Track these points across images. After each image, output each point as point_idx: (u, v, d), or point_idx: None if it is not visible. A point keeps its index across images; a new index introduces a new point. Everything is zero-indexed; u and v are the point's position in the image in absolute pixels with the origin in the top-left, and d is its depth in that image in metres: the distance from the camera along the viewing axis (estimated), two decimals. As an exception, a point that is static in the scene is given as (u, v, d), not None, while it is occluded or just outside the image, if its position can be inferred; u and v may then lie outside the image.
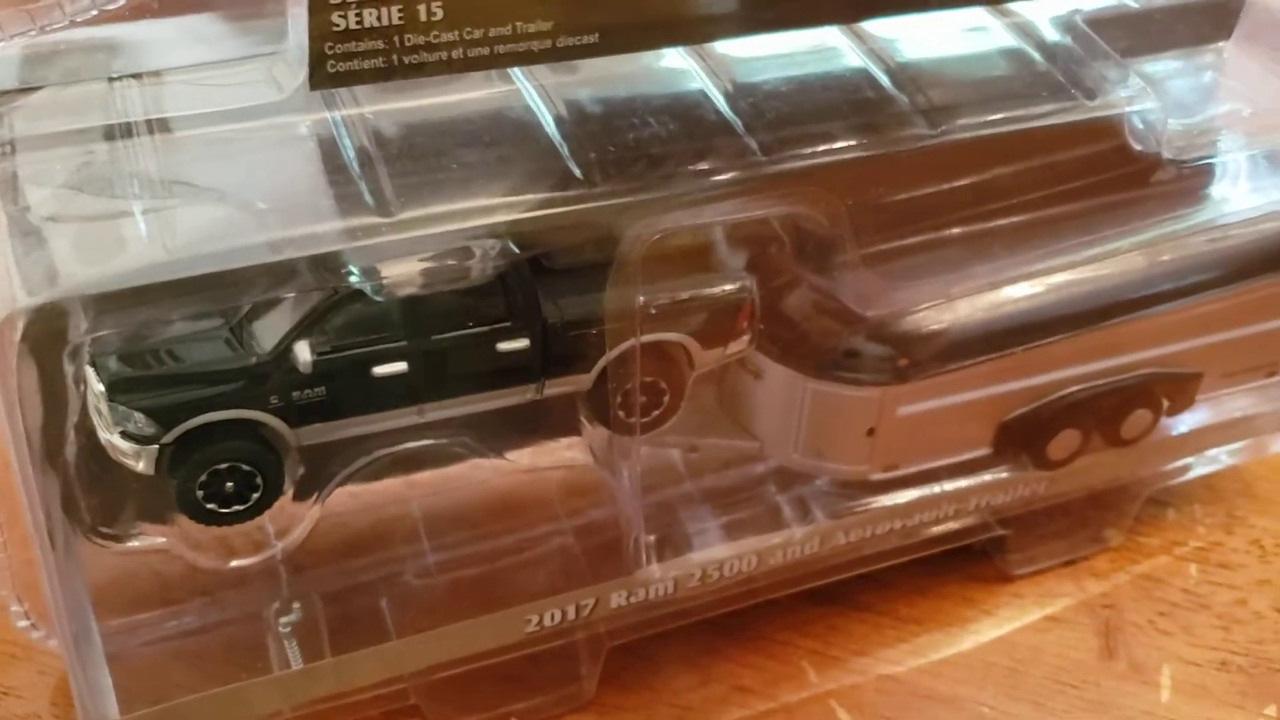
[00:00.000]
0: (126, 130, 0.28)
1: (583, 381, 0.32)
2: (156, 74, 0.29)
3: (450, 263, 0.29)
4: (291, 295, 0.29)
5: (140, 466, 0.29)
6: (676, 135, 0.30)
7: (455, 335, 0.30)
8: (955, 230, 0.35)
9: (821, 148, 0.30)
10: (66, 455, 0.29)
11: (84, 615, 0.32)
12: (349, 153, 0.28)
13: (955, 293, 0.35)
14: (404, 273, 0.28)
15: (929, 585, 0.42)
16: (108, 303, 0.26)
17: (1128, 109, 0.33)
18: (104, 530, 0.31)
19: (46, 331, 0.26)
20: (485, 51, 0.29)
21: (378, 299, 0.29)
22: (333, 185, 0.28)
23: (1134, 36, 0.36)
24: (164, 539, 0.31)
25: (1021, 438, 0.39)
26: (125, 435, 0.29)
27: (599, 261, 0.30)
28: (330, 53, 0.27)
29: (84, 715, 0.32)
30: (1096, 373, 0.39)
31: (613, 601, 0.37)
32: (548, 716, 0.37)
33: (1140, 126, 0.33)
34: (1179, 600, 0.42)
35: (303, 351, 0.29)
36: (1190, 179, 0.36)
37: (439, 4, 0.28)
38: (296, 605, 0.34)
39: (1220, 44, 0.38)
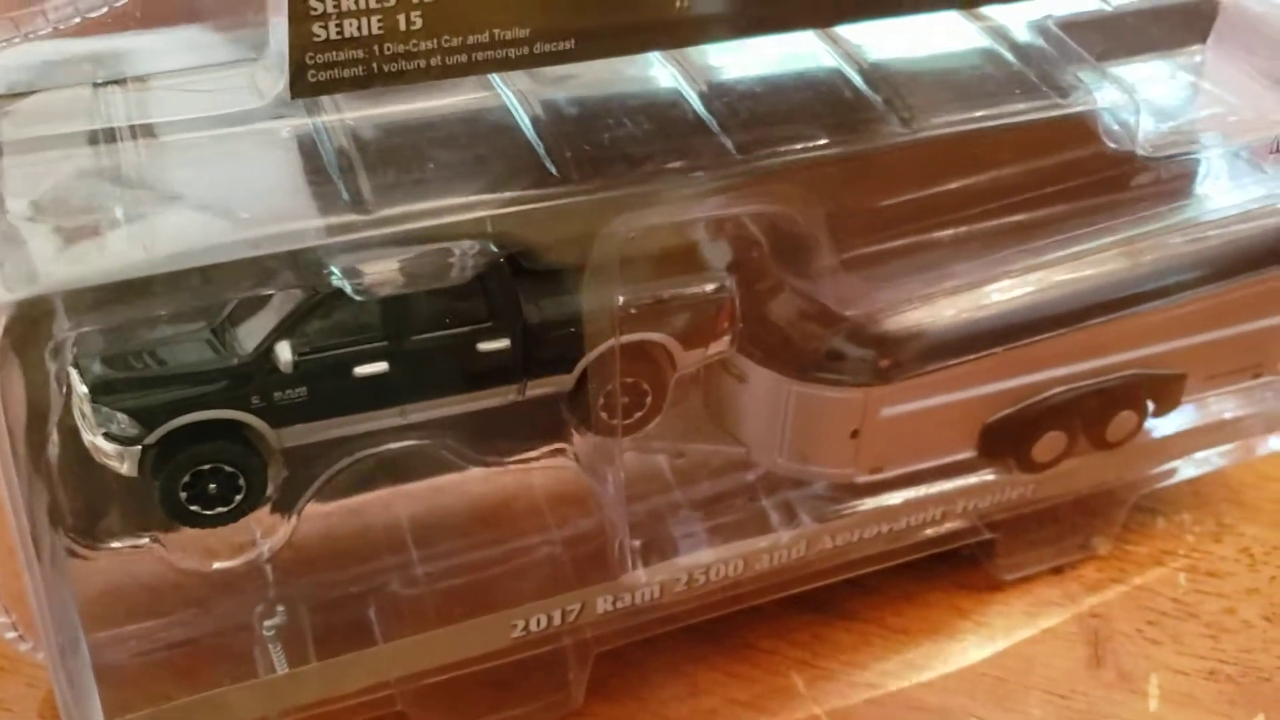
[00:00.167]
0: (110, 135, 0.28)
1: (564, 382, 0.33)
2: (141, 80, 0.29)
3: (430, 263, 0.29)
4: (274, 297, 0.29)
5: (123, 468, 0.29)
6: (652, 134, 0.30)
7: (435, 335, 0.30)
8: (934, 231, 0.35)
9: (796, 146, 0.30)
10: (49, 457, 0.29)
11: (71, 626, 0.32)
12: (329, 156, 0.29)
13: (936, 293, 0.35)
14: (384, 273, 0.29)
15: (917, 593, 0.42)
16: (88, 301, 0.26)
17: (1100, 107, 0.33)
18: (85, 532, 0.31)
19: (27, 329, 0.26)
20: (464, 59, 0.29)
21: (358, 299, 0.29)
22: (311, 186, 0.28)
23: (1109, 40, 0.36)
24: (145, 540, 0.31)
25: (1006, 440, 0.39)
26: (108, 436, 0.29)
27: (578, 262, 0.31)
28: (311, 62, 0.28)
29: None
30: (1080, 374, 0.39)
31: (599, 607, 0.37)
32: (536, 724, 0.37)
33: (1114, 126, 0.34)
34: (1168, 609, 0.41)
35: (284, 352, 0.29)
36: (1168, 179, 0.37)
37: (418, 13, 0.28)
38: (281, 609, 0.34)
39: (1196, 47, 0.38)
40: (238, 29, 0.30)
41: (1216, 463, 0.45)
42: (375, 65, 0.29)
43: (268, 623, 0.33)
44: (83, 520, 0.31)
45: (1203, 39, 0.39)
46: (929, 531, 0.41)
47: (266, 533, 0.33)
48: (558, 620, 0.36)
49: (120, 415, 0.29)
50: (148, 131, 0.28)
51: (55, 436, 0.29)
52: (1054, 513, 0.43)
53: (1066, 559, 0.43)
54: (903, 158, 0.32)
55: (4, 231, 0.25)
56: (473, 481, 0.37)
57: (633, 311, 0.32)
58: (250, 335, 0.30)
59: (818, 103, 0.32)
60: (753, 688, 0.38)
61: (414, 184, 0.28)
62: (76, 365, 0.29)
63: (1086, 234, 0.37)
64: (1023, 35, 0.35)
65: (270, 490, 0.31)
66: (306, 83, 0.28)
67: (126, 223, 0.26)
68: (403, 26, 0.28)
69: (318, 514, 0.35)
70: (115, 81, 0.29)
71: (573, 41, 0.30)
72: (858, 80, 0.33)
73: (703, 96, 0.32)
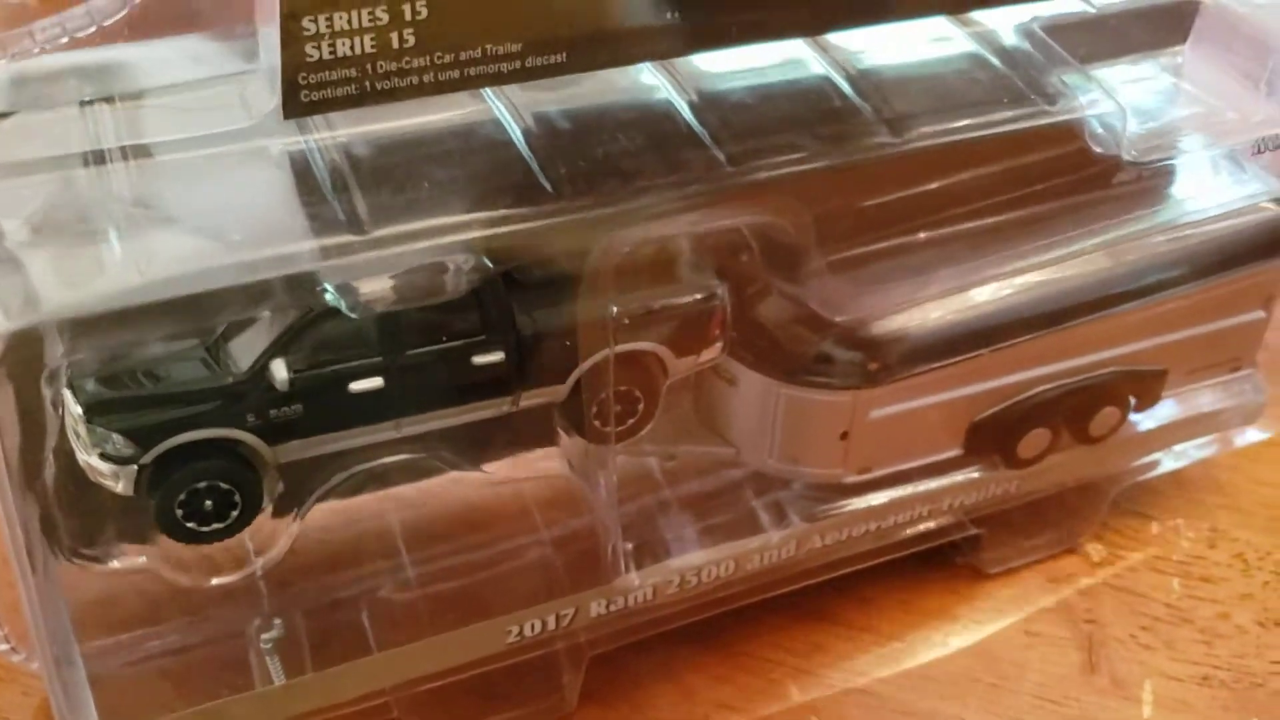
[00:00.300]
0: (101, 156, 0.28)
1: (558, 392, 0.33)
2: (130, 97, 0.29)
3: (425, 278, 0.29)
4: (267, 314, 0.29)
5: (119, 487, 0.29)
6: (645, 148, 0.30)
7: (430, 350, 0.30)
8: (921, 234, 0.36)
9: (788, 158, 0.31)
10: (45, 477, 0.29)
11: (65, 637, 0.33)
12: (322, 174, 0.29)
13: (923, 296, 0.35)
14: (379, 289, 0.29)
15: (910, 599, 0.42)
16: (86, 327, 0.26)
17: (1088, 113, 0.34)
18: (85, 552, 0.31)
19: (25, 356, 0.26)
20: (456, 74, 0.29)
21: (353, 316, 0.29)
22: (307, 206, 0.28)
23: (1092, 42, 0.37)
24: (144, 559, 0.32)
25: (992, 438, 0.40)
26: (104, 456, 0.29)
27: (572, 273, 0.31)
28: (304, 82, 0.28)
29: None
30: (1064, 372, 0.40)
31: (592, 610, 0.37)
32: (530, 727, 0.38)
33: (1100, 130, 0.34)
34: (1161, 614, 0.41)
35: (279, 370, 0.29)
36: (1151, 180, 0.37)
37: (411, 31, 0.28)
38: (278, 622, 0.34)
39: (1177, 47, 0.39)
40: (227, 39, 0.30)
41: (1195, 455, 0.45)
42: (368, 83, 0.29)
43: (265, 636, 0.34)
44: (81, 541, 0.31)
45: (1183, 39, 0.40)
46: (916, 529, 0.41)
47: (260, 549, 0.33)
48: (552, 625, 0.37)
49: (116, 435, 0.29)
50: (139, 152, 0.28)
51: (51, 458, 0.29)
52: (1038, 507, 0.43)
53: (1051, 551, 0.44)
54: (892, 166, 0.32)
55: (3, 258, 0.25)
56: (462, 485, 0.37)
57: (626, 321, 0.32)
58: (244, 352, 0.30)
59: (808, 112, 0.32)
60: (745, 693, 0.39)
61: (409, 203, 0.28)
62: (71, 386, 0.29)
63: (1069, 235, 0.37)
64: (1009, 39, 0.35)
65: (266, 504, 0.31)
66: (299, 103, 0.28)
67: (121, 247, 0.26)
68: (396, 45, 0.28)
69: (310, 521, 0.35)
70: (103, 99, 0.29)
71: (564, 54, 0.30)
72: (847, 88, 0.33)
73: (694, 107, 0.32)
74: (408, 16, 0.28)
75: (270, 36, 0.28)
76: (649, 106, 0.32)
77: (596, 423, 0.34)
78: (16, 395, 0.27)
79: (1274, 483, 0.46)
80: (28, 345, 0.26)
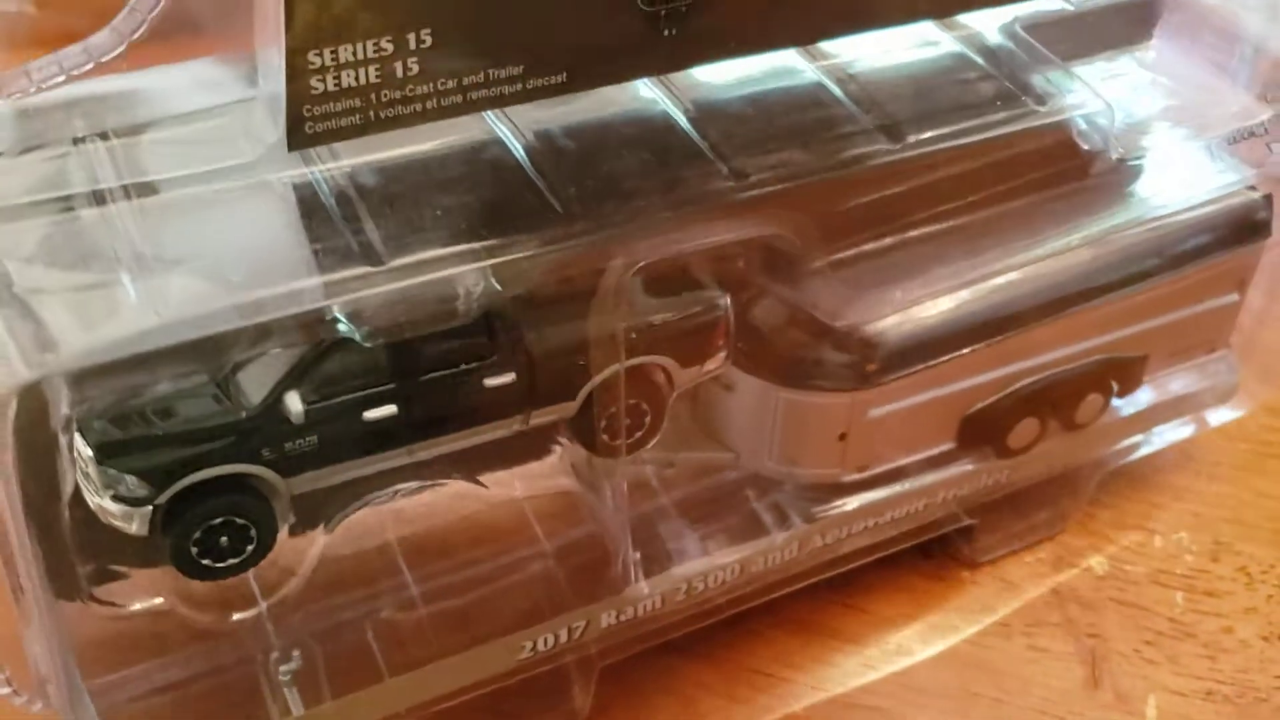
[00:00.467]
0: (103, 196, 0.27)
1: (568, 409, 0.33)
2: (126, 132, 0.29)
3: (436, 305, 0.29)
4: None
5: (133, 528, 0.29)
6: (650, 164, 0.30)
7: (442, 375, 0.30)
8: (913, 235, 0.36)
9: (791, 170, 0.31)
10: (61, 521, 0.28)
11: (71, 677, 0.32)
12: (331, 205, 0.29)
13: (918, 294, 0.36)
14: (392, 319, 0.29)
15: (913, 612, 0.42)
16: (102, 371, 0.25)
17: (1077, 113, 0.34)
18: (102, 596, 0.30)
19: (41, 403, 0.25)
20: (459, 99, 0.29)
21: (366, 346, 0.29)
22: (320, 239, 0.28)
23: (1071, 40, 0.37)
24: (162, 599, 0.31)
25: (984, 430, 0.41)
26: (117, 498, 0.29)
27: (580, 290, 0.31)
28: (308, 114, 0.27)
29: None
30: (1051, 362, 0.40)
31: (603, 621, 0.37)
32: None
33: (1089, 130, 0.35)
34: (1165, 629, 0.41)
35: (293, 402, 0.29)
36: (1132, 172, 0.38)
37: (415, 59, 0.28)
38: (296, 653, 0.34)
39: (1148, 40, 0.40)
40: (229, 64, 0.30)
41: (1174, 437, 0.46)
42: (372, 113, 0.28)
43: (284, 667, 0.33)
44: (98, 584, 0.30)
45: (1151, 33, 0.40)
46: (913, 523, 0.42)
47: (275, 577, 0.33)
48: (564, 638, 0.37)
49: (129, 477, 0.28)
50: (143, 190, 0.28)
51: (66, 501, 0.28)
52: (1026, 494, 0.44)
53: (1038, 536, 0.44)
54: (889, 171, 0.32)
55: (8, 304, 0.25)
56: (465, 500, 0.37)
57: (633, 336, 0.32)
58: (255, 385, 0.29)
59: (806, 122, 0.32)
60: (748, 706, 0.39)
61: (423, 232, 0.28)
62: (79, 428, 0.28)
63: (1056, 228, 0.38)
64: (993, 40, 0.36)
65: (280, 536, 0.31)
66: (304, 135, 0.28)
67: (136, 289, 0.26)
68: (400, 73, 0.28)
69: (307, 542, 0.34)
70: (99, 135, 0.28)
71: (565, 74, 0.30)
72: (841, 96, 0.33)
73: (693, 121, 0.32)
74: (412, 45, 0.28)
75: (271, 64, 0.27)
76: (649, 121, 0.32)
77: (605, 437, 0.34)
78: (30, 440, 0.26)
79: (1278, 496, 0.46)
80: (42, 392, 0.25)
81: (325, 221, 0.28)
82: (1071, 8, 0.38)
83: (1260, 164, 0.39)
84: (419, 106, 0.29)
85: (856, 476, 0.39)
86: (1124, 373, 0.42)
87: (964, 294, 0.37)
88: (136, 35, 0.27)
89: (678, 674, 0.39)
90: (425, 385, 0.30)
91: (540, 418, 0.33)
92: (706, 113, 0.32)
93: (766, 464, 0.39)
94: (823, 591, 0.42)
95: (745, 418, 0.38)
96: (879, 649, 0.41)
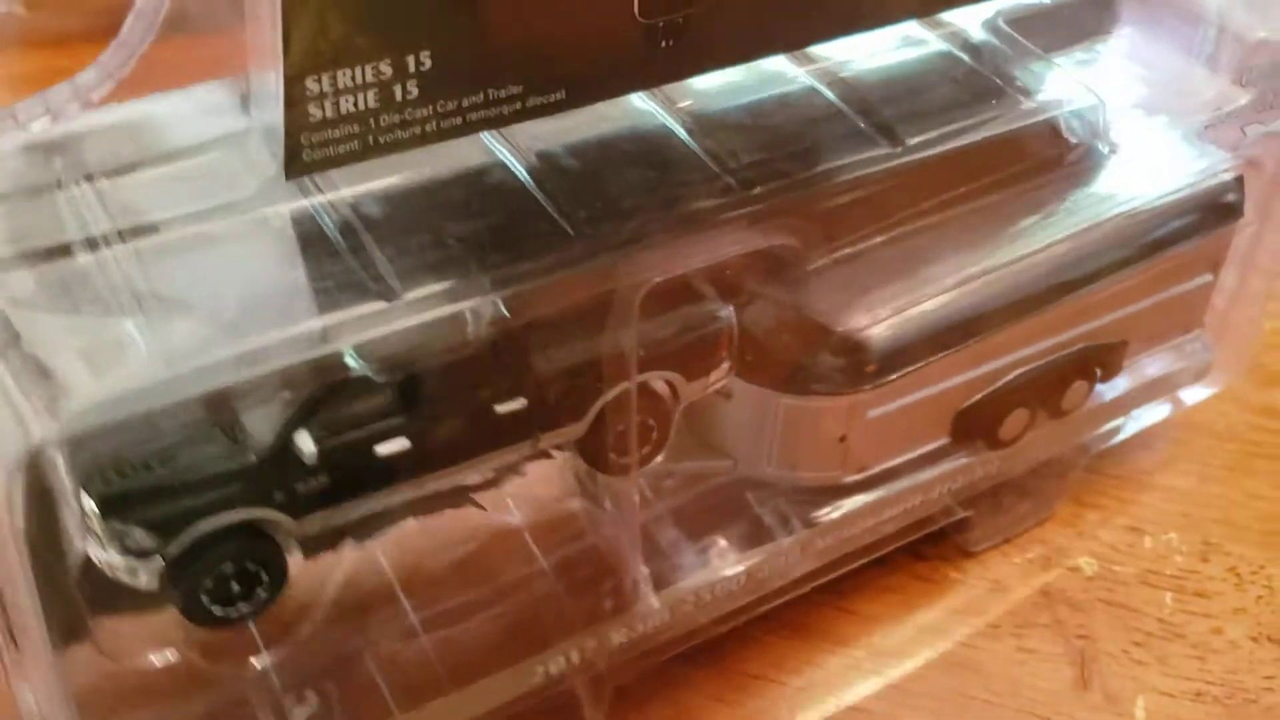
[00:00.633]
0: (99, 241, 0.26)
1: (577, 430, 0.32)
2: (111, 173, 0.28)
3: (446, 336, 0.28)
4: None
5: (142, 582, 0.28)
6: (657, 181, 0.30)
7: (453, 404, 0.30)
8: (901, 231, 0.36)
9: (798, 178, 0.30)
10: (70, 577, 0.27)
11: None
12: (337, 237, 0.28)
13: (913, 292, 0.36)
14: (402, 352, 0.28)
15: (903, 615, 0.42)
16: (118, 428, 0.24)
17: (1068, 107, 0.34)
18: (112, 650, 0.29)
19: (50, 460, 0.24)
20: (458, 121, 0.28)
21: (378, 380, 0.28)
22: (329, 275, 0.27)
23: (1047, 31, 0.38)
24: (175, 652, 0.30)
25: (977, 423, 0.41)
26: (125, 552, 0.27)
27: (586, 309, 0.30)
28: (306, 143, 0.27)
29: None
30: (1040, 352, 0.41)
31: (614, 640, 0.37)
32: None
33: (1079, 123, 0.35)
34: (1154, 630, 0.41)
35: (305, 443, 0.28)
36: (1116, 161, 0.38)
37: (415, 82, 0.27)
38: (310, 695, 0.33)
39: (1118, 28, 0.40)
40: (215, 94, 0.29)
41: (1153, 418, 0.47)
42: (371, 138, 0.28)
43: (297, 710, 0.32)
44: (113, 639, 0.29)
45: (1119, 20, 0.41)
46: (910, 518, 0.42)
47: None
48: (576, 659, 0.36)
49: (136, 529, 0.27)
50: (138, 233, 0.26)
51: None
52: (1013, 483, 0.44)
53: (1029, 523, 0.45)
54: (889, 174, 0.32)
55: (17, 361, 0.24)
56: (458, 520, 0.36)
57: (640, 353, 0.32)
58: (261, 425, 0.28)
59: (804, 128, 0.32)
60: (742, 712, 0.39)
61: (436, 263, 0.27)
62: (80, 481, 0.27)
63: (1041, 220, 0.38)
64: (977, 36, 0.36)
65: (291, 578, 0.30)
66: (301, 163, 0.27)
67: (145, 340, 0.24)
68: (399, 97, 0.27)
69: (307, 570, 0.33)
70: (86, 176, 0.27)
71: (564, 92, 0.30)
72: (835, 99, 0.33)
73: (692, 133, 0.31)
74: (411, 68, 0.27)
75: (267, 92, 0.26)
76: (649, 135, 0.31)
77: (612, 455, 0.33)
78: (39, 498, 0.25)
79: (1267, 496, 0.46)
80: (62, 449, 0.24)
81: (332, 255, 0.27)
82: (1047, 0, 0.38)
83: (1234, 147, 0.39)
84: (419, 130, 0.28)
85: (856, 477, 0.39)
86: (1107, 358, 0.43)
87: (957, 289, 0.37)
88: (124, 71, 0.26)
89: (666, 677, 0.39)
90: (436, 416, 0.30)
91: (549, 440, 0.32)
92: (704, 124, 0.31)
93: (766, 470, 0.39)
94: (812, 593, 0.41)
95: (744, 425, 0.38)
96: (867, 650, 0.41)
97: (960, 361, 0.38)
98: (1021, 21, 0.37)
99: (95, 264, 0.26)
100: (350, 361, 0.27)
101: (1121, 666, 0.40)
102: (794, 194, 0.30)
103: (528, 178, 0.30)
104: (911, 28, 0.36)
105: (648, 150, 0.31)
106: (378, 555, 0.37)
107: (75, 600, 0.27)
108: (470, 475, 0.31)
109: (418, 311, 0.26)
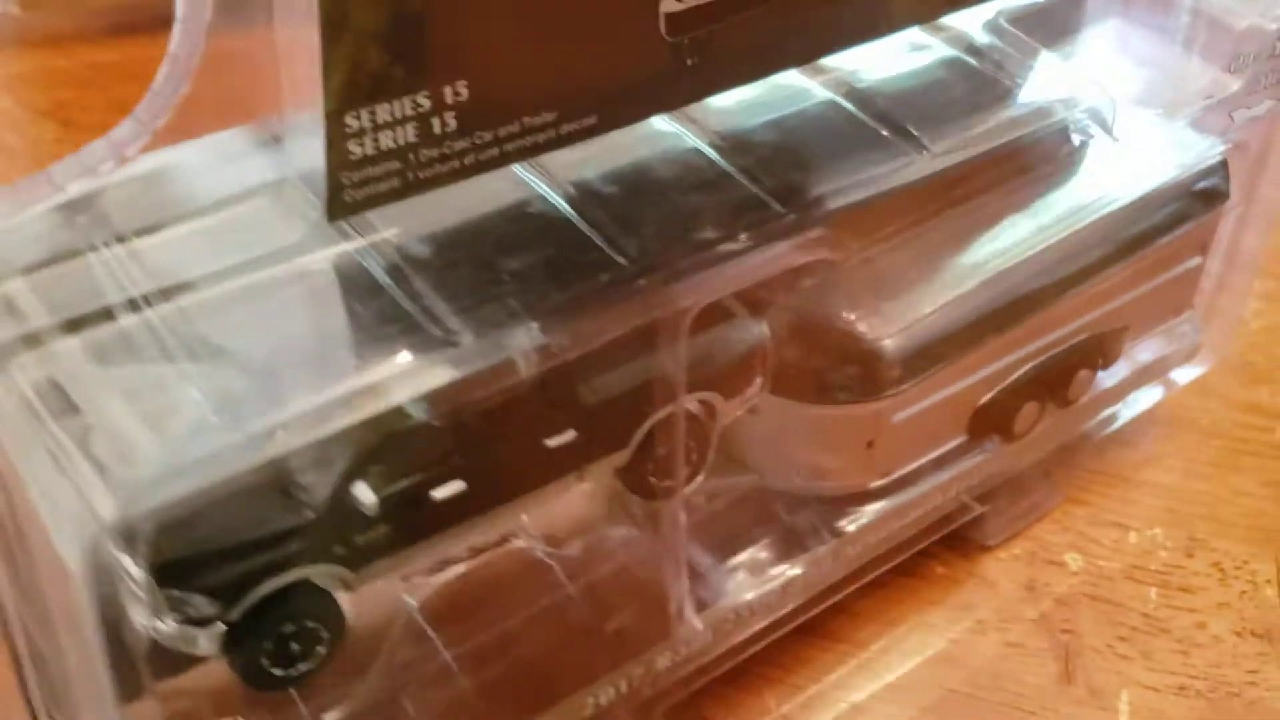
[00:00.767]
0: (141, 302, 0.25)
1: (621, 457, 0.32)
2: (145, 231, 0.26)
3: (498, 374, 0.27)
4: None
5: (201, 649, 0.27)
6: (700, 203, 0.30)
7: (507, 442, 0.29)
8: (917, 231, 0.36)
9: (837, 191, 0.30)
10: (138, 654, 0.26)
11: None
12: (387, 281, 0.27)
13: (938, 296, 0.36)
14: (456, 393, 0.27)
15: (889, 611, 0.42)
16: (185, 499, 0.23)
17: (1082, 106, 0.35)
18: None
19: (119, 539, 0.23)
20: (495, 152, 0.28)
21: (434, 424, 0.27)
22: (387, 320, 0.26)
23: (1043, 27, 0.38)
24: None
25: (992, 419, 0.41)
26: (183, 621, 0.26)
27: (632, 335, 0.30)
28: (347, 181, 0.26)
29: None
30: (1048, 345, 0.41)
31: (659, 664, 0.36)
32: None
33: (1089, 119, 0.35)
34: (1139, 624, 0.41)
35: (364, 493, 0.27)
36: (1114, 151, 0.39)
37: (453, 114, 0.27)
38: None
39: (1111, 20, 0.41)
40: (232, 141, 0.28)
41: (1148, 401, 0.48)
42: (410, 174, 0.27)
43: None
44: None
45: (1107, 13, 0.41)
46: (931, 519, 0.42)
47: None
48: (624, 688, 0.36)
49: (195, 596, 0.26)
50: (179, 291, 0.25)
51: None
52: (1022, 475, 0.45)
53: (1041, 512, 0.45)
54: (918, 181, 0.32)
55: (84, 438, 0.22)
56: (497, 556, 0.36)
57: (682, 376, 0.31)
58: (315, 477, 0.27)
59: (832, 140, 0.32)
60: (726, 705, 0.38)
61: (494, 301, 0.27)
62: (128, 546, 0.26)
63: (1047, 214, 0.38)
64: (982, 38, 0.36)
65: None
66: (343, 203, 0.26)
67: (212, 408, 0.23)
68: (438, 129, 0.27)
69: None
70: (117, 238, 0.26)
71: (595, 116, 0.29)
72: (855, 110, 0.33)
73: (722, 152, 0.31)
74: (449, 100, 0.27)
75: (304, 133, 0.26)
76: (683, 158, 0.31)
77: (653, 479, 0.33)
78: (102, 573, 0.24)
79: (1252, 492, 0.46)
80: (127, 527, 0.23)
81: (385, 300, 0.26)
82: (1042, -1, 0.39)
83: (1224, 131, 0.40)
84: (457, 164, 0.27)
85: (882, 482, 0.39)
86: (1108, 346, 0.43)
87: (977, 287, 0.37)
88: (159, 122, 0.25)
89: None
90: (490, 456, 0.29)
91: (595, 470, 0.32)
92: (733, 142, 0.31)
93: (794, 481, 0.39)
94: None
95: (770, 438, 0.38)
96: (855, 645, 0.41)
97: (980, 359, 0.39)
98: (1021, 20, 0.37)
99: (143, 326, 0.25)
100: (410, 409, 0.26)
101: (1106, 661, 0.40)
102: (832, 207, 0.30)
103: (568, 208, 0.29)
104: (914, 34, 0.36)
105: (683, 172, 0.30)
106: (403, 596, 0.36)
107: (137, 670, 0.26)
108: (517, 512, 0.31)
109: (484, 354, 0.26)
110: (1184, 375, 0.48)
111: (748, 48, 0.30)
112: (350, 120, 0.25)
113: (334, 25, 0.24)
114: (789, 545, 0.39)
